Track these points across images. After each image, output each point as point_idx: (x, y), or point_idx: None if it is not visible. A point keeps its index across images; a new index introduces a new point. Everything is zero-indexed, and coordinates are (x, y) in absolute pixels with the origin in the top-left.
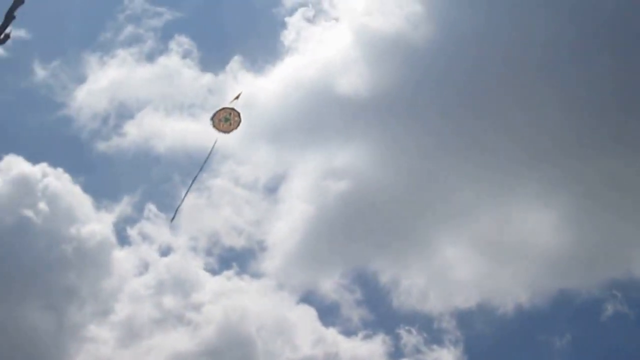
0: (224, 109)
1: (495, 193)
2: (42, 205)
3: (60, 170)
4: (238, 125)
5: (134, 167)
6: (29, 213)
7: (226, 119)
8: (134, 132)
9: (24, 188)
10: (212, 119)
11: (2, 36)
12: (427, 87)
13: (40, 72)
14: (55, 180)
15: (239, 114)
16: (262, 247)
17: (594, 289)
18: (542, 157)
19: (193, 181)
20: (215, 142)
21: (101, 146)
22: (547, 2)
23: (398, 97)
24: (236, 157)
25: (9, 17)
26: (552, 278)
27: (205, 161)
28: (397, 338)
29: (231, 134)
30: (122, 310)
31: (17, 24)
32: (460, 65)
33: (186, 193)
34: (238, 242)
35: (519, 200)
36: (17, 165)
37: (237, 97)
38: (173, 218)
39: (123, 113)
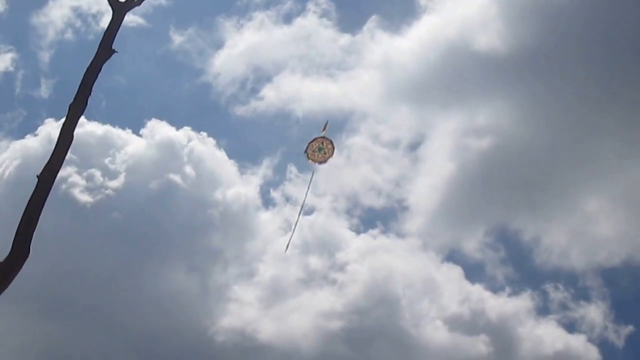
0: (315, 139)
1: (638, 147)
2: (189, 169)
3: (204, 134)
4: (332, 152)
5: (273, 130)
6: (175, 177)
7: (320, 149)
8: (272, 95)
9: (170, 152)
10: (306, 151)
11: None
12: (567, 42)
13: (177, 39)
14: (200, 144)
15: (331, 142)
16: (403, 206)
17: None
18: None
19: (299, 215)
20: (312, 174)
21: (240, 110)
22: None
23: (538, 53)
24: (376, 116)
25: None
26: None
27: (305, 195)
28: (544, 294)
29: (328, 162)
30: (266, 271)
31: None
32: (601, 20)
33: (296, 223)
34: (379, 202)
35: None
36: (161, 129)
37: (324, 128)
38: (287, 248)
39: (260, 77)
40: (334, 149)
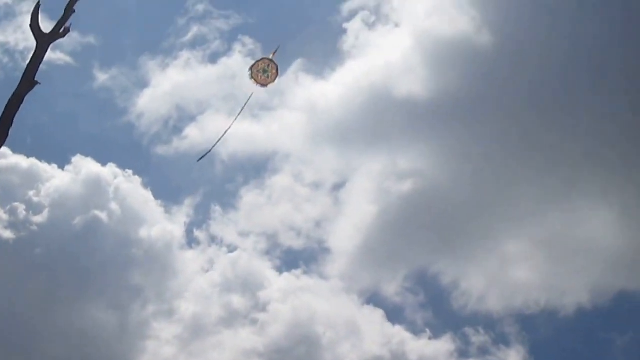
0: (263, 59)
1: (557, 193)
2: (114, 206)
3: (129, 172)
4: (275, 79)
5: (197, 169)
6: (101, 214)
7: (264, 71)
8: (195, 134)
9: (96, 188)
10: (251, 69)
11: (62, 30)
12: (488, 90)
13: (101, 77)
14: (125, 181)
15: (277, 68)
16: (324, 247)
17: None
18: (606, 157)
19: (230, 126)
20: (251, 94)
21: (162, 149)
22: (610, 7)
23: (460, 100)
24: (299, 157)
25: (69, 11)
26: (613, 278)
27: (241, 111)
28: (465, 337)
29: (269, 86)
30: (187, 309)
31: (80, 27)
32: (521, 69)
33: (223, 135)
34: (301, 242)
35: (581, 200)
36: (86, 165)
37: (275, 52)
38: (201, 158)
39: (184, 116)
40: (277, 75)
